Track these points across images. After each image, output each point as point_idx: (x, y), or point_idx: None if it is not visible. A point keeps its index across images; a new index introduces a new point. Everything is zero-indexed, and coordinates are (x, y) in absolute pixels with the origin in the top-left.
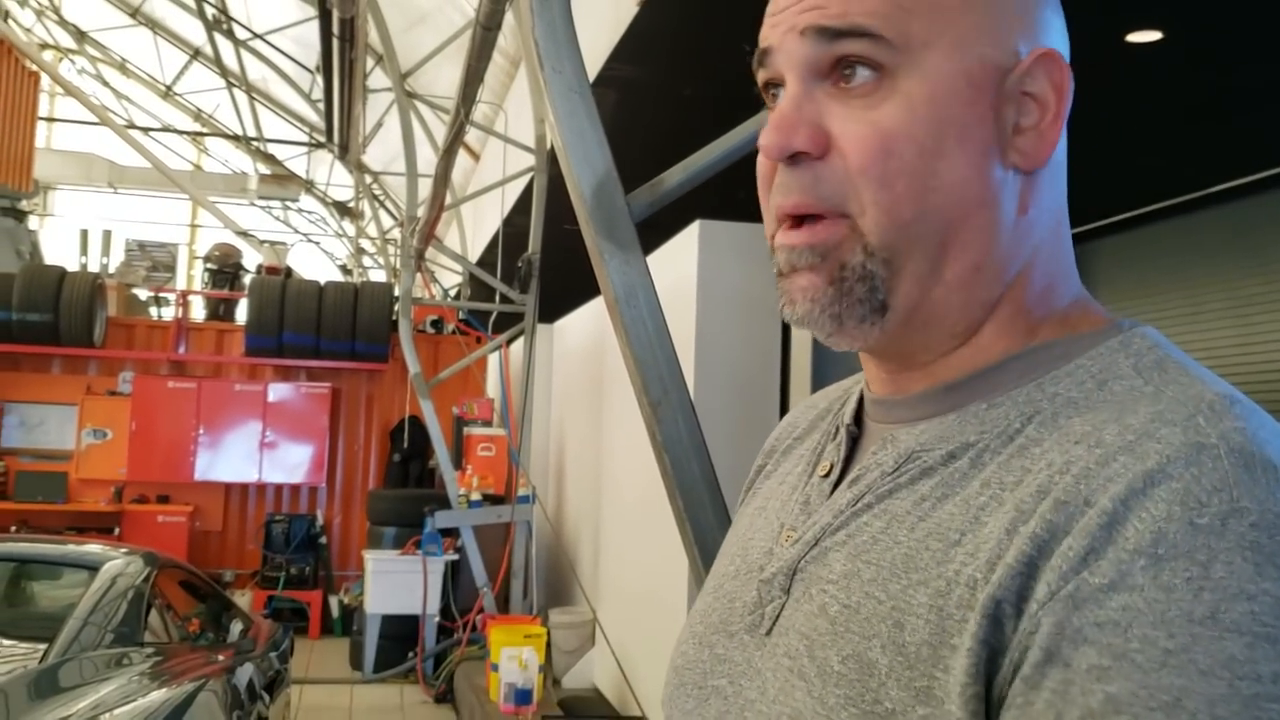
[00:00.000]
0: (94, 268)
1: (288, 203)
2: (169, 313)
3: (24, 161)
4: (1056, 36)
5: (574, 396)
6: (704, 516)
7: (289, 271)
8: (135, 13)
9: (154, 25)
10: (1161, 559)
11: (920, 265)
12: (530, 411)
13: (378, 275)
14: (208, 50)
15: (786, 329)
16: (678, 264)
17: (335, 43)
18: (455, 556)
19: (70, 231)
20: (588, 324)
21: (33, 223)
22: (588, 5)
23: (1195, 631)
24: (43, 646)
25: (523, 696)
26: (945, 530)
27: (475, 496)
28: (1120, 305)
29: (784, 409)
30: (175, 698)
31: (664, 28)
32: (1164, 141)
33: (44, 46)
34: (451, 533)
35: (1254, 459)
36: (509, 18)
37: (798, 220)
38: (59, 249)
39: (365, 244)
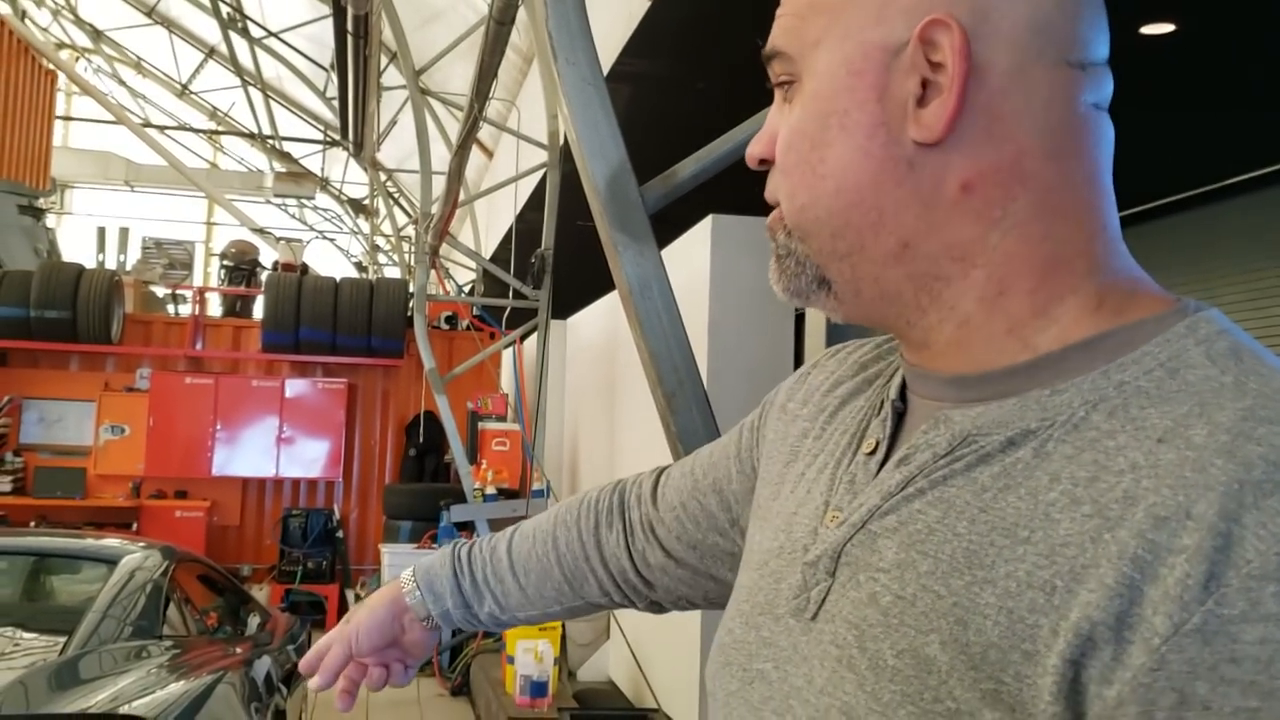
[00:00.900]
0: (111, 265)
1: (303, 200)
2: (186, 309)
3: (41, 160)
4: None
5: (588, 391)
6: None
7: (305, 268)
8: (151, 12)
9: (169, 24)
10: None
11: (833, 244)
12: (544, 406)
13: (392, 272)
14: (223, 49)
15: (800, 322)
16: (691, 259)
17: (349, 40)
18: None
19: (87, 229)
20: (601, 319)
21: (50, 221)
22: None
23: None
24: (62, 639)
25: (538, 689)
26: (1011, 525)
27: (490, 490)
28: None
29: None
30: (194, 690)
31: (676, 21)
32: (1179, 134)
33: (61, 46)
34: (467, 527)
35: None
36: (522, 13)
37: None
38: (76, 247)
39: (380, 241)
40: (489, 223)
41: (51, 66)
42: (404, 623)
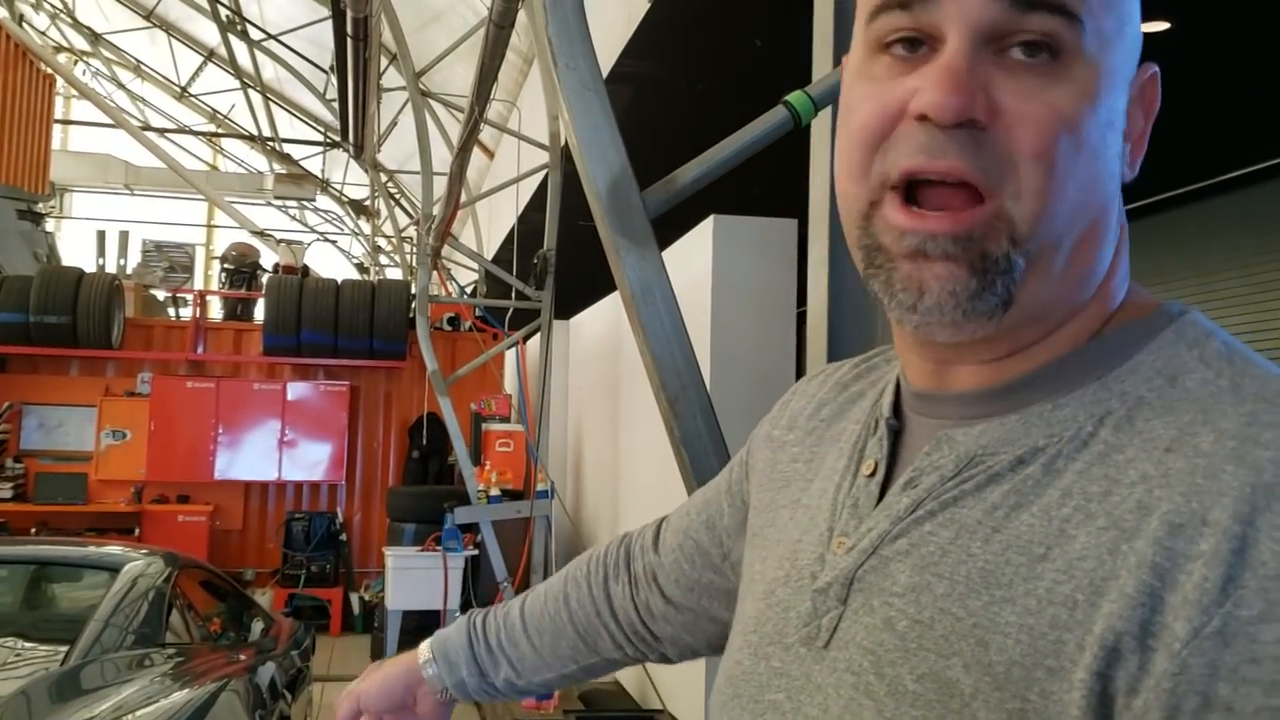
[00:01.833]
0: (111, 269)
1: (304, 202)
2: (187, 313)
3: (40, 164)
4: None
5: (591, 391)
6: None
7: (306, 270)
8: (149, 15)
9: (168, 27)
10: None
11: (1057, 262)
12: (548, 407)
13: (394, 273)
14: (222, 51)
15: (801, 323)
16: (692, 259)
17: (349, 42)
18: (475, 552)
19: (87, 233)
20: (604, 319)
21: (49, 225)
22: (599, 2)
23: None
24: (64, 648)
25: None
26: (1026, 543)
27: (494, 492)
28: None
29: None
30: (197, 698)
31: (675, 24)
32: (1176, 129)
33: (59, 49)
34: (471, 528)
35: None
36: (522, 16)
37: (910, 194)
38: (76, 251)
39: (381, 242)
40: (491, 224)
41: (50, 70)
42: (417, 695)
